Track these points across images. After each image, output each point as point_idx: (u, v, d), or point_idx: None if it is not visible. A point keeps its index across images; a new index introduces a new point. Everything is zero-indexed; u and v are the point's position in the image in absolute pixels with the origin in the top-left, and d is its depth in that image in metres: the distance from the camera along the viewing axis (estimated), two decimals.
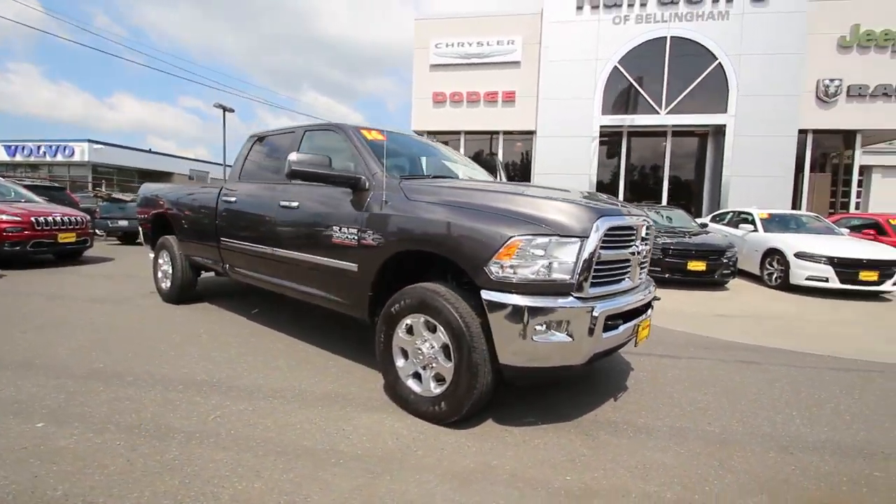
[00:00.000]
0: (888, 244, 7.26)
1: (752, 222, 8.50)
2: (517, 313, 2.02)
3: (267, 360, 3.22)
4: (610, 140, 13.87)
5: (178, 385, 2.72)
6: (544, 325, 2.04)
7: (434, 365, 2.33)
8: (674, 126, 13.24)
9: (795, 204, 12.87)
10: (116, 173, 31.26)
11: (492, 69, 13.94)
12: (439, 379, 2.33)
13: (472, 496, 1.77)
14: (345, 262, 2.75)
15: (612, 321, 2.23)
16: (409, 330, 2.44)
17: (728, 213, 9.73)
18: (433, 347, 2.33)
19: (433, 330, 2.32)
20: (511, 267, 2.06)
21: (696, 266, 6.88)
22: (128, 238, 11.74)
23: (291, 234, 3.17)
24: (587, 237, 2.09)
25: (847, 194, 13.15)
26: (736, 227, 8.80)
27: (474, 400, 2.19)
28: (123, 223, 10.99)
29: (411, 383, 2.44)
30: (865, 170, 19.32)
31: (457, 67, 14.16)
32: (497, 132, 14.52)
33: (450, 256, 2.24)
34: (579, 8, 13.01)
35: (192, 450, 2.03)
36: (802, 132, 12.52)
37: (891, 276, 6.51)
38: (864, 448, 2.28)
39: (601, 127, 13.23)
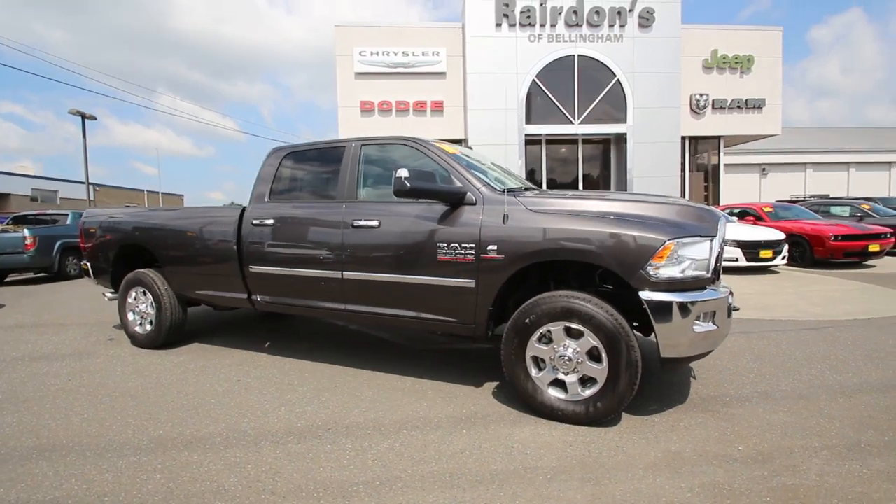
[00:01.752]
0: (770, 227, 9.11)
1: None
2: (678, 309, 2.23)
3: (351, 391, 2.97)
4: (532, 147, 14.99)
5: (286, 437, 2.39)
6: (700, 317, 2.28)
7: (579, 369, 2.43)
8: (584, 135, 14.85)
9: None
10: None
11: (419, 79, 14.14)
12: (585, 382, 2.44)
13: (694, 479, 1.92)
14: (457, 279, 2.68)
15: (734, 308, 2.58)
16: (541, 339, 2.51)
17: None
18: (578, 352, 2.42)
19: (576, 336, 2.42)
20: (663, 268, 2.26)
21: None
22: None
23: (373, 255, 2.97)
24: (715, 236, 2.39)
25: (717, 189, 16.10)
26: None
27: (633, 396, 2.34)
28: None
29: (552, 391, 2.50)
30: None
31: (383, 76, 14.07)
32: None
33: (601, 263, 2.37)
34: (498, 25, 13.89)
35: (390, 499, 1.84)
36: (683, 139, 15.02)
37: (780, 253, 8.21)
38: (889, 384, 2.95)
39: (526, 136, 14.26)
